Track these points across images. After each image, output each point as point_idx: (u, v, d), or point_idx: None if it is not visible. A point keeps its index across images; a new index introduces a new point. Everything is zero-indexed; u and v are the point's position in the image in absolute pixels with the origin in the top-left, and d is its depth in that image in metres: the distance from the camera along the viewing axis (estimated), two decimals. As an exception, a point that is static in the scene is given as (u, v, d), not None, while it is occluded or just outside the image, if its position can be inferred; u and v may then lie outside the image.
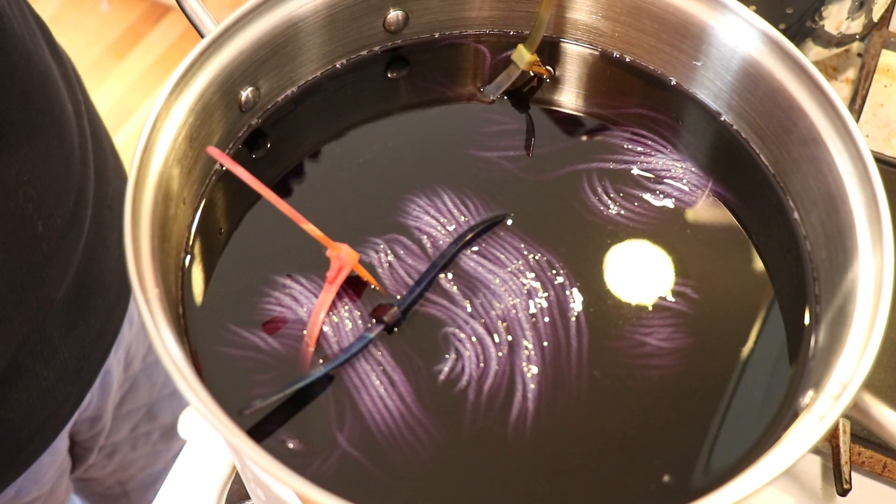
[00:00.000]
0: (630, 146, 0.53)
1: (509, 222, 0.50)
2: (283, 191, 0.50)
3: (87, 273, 0.75)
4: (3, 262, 0.67)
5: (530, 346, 0.46)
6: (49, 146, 0.70)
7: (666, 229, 0.50)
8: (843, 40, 0.76)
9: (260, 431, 0.43)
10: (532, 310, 0.47)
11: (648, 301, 0.48)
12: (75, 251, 0.73)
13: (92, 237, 0.76)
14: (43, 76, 0.71)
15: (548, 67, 0.56)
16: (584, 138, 0.55)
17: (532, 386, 0.45)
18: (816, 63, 0.79)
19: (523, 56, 0.54)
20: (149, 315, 0.39)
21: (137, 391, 0.91)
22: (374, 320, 0.46)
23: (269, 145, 0.52)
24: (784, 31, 0.55)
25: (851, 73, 0.82)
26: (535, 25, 0.53)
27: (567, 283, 0.48)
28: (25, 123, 0.68)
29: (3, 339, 0.68)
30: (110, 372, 0.83)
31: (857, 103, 0.78)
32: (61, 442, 0.80)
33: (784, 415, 0.44)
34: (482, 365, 0.45)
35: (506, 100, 0.55)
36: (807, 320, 0.47)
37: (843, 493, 0.61)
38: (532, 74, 0.55)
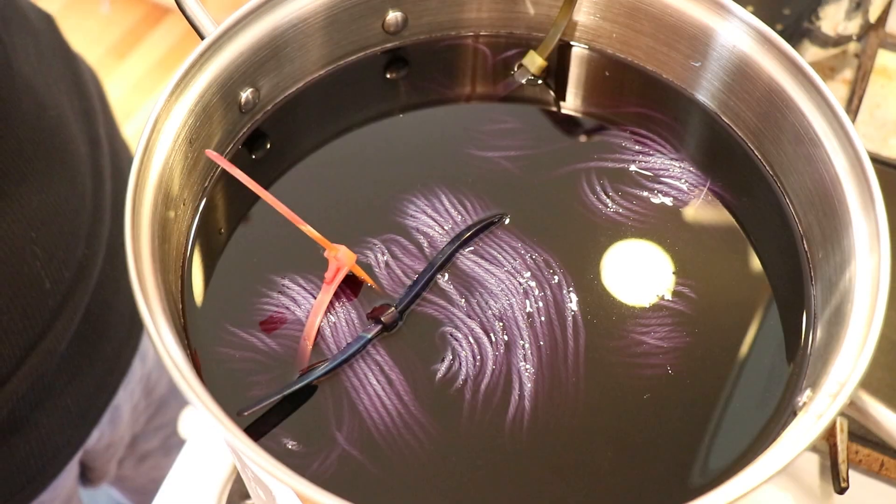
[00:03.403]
0: (628, 145, 0.53)
1: (506, 221, 0.50)
2: (283, 191, 0.50)
3: (96, 318, 0.72)
4: (8, 324, 0.63)
5: (527, 346, 0.46)
6: (59, 196, 0.66)
7: (664, 228, 0.51)
8: (839, 41, 0.76)
9: (259, 432, 0.43)
10: (529, 309, 0.47)
11: (646, 300, 0.48)
12: (83, 300, 0.70)
13: (103, 280, 0.72)
14: (55, 120, 0.67)
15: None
16: (583, 138, 0.55)
17: (529, 385, 0.45)
18: (813, 64, 0.79)
19: (535, 61, 0.54)
20: (149, 315, 0.39)
21: (167, 409, 0.89)
22: (371, 321, 0.46)
23: (268, 146, 0.52)
24: (781, 32, 0.55)
25: (848, 74, 0.82)
26: (549, 31, 0.53)
27: (564, 282, 0.48)
28: (35, 175, 0.64)
29: (2, 396, 0.65)
30: (120, 407, 0.80)
31: (853, 103, 0.78)
32: (66, 475, 0.76)
33: (782, 413, 0.44)
34: (479, 364, 0.46)
35: (506, 99, 0.55)
36: (804, 319, 0.47)
37: (841, 491, 0.61)
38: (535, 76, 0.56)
